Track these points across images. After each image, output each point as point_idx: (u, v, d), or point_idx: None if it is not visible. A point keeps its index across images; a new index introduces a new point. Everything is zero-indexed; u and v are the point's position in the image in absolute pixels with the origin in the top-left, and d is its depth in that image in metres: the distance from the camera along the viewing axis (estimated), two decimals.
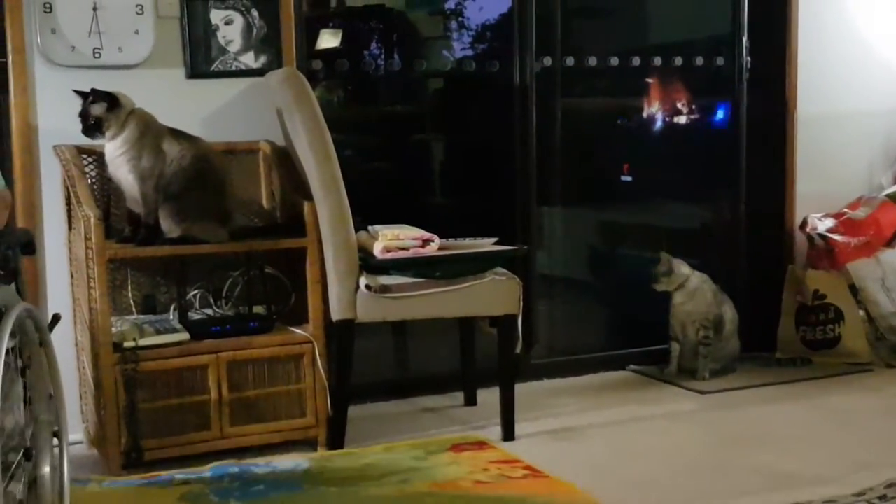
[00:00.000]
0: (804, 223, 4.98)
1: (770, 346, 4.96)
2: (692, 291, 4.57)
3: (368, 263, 3.69)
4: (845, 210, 5.00)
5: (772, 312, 4.98)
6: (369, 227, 3.86)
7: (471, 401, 4.30)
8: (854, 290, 4.83)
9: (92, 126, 3.53)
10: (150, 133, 3.56)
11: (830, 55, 5.03)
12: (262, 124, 3.98)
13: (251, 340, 3.63)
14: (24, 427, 2.54)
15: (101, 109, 3.52)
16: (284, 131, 3.88)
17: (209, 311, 3.84)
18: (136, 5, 3.82)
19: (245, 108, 4.01)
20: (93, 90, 3.53)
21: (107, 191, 3.75)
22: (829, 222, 4.95)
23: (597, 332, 5.21)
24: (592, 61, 4.82)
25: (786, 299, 4.97)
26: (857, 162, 5.16)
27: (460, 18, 5.11)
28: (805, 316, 4.93)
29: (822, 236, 4.90)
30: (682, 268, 4.57)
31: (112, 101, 3.52)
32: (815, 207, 5.01)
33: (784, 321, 4.98)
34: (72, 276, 3.78)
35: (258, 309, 3.84)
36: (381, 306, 3.68)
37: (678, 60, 5.00)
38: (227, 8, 3.98)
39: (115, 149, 3.55)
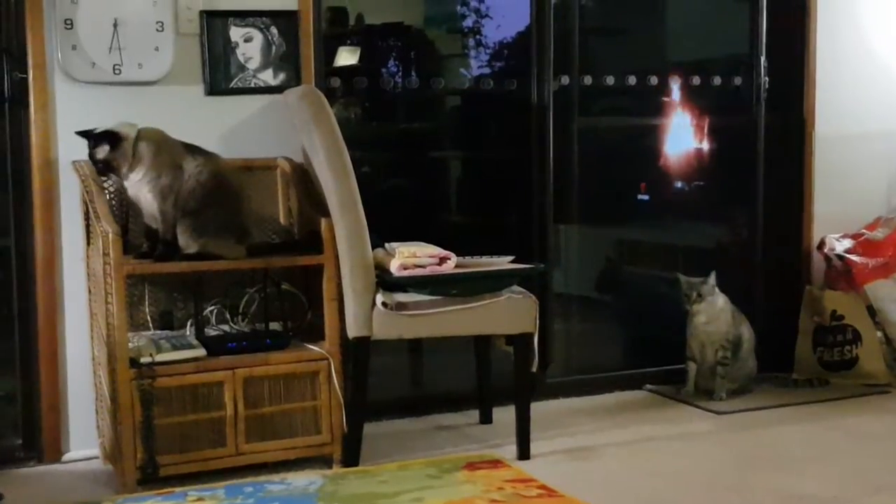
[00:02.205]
0: (822, 243, 4.96)
1: (787, 366, 4.93)
2: (717, 312, 4.55)
3: (385, 281, 3.69)
4: (863, 231, 4.98)
5: (789, 333, 4.96)
6: (386, 245, 3.86)
7: (486, 419, 4.29)
8: (872, 311, 4.81)
9: (102, 169, 3.51)
10: (165, 150, 3.55)
11: (848, 75, 5.03)
12: (281, 141, 3.99)
13: (267, 357, 3.64)
14: None
15: (104, 152, 3.46)
16: (303, 148, 3.89)
17: (226, 328, 3.85)
18: (157, 22, 3.84)
19: (263, 125, 4.02)
20: (90, 135, 3.48)
21: (125, 206, 3.76)
22: (847, 243, 4.93)
23: (613, 351, 5.19)
24: (610, 80, 4.82)
25: (803, 320, 4.95)
26: (876, 182, 5.14)
27: (478, 37, 5.12)
28: (822, 337, 4.91)
29: (839, 257, 4.88)
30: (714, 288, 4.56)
31: (112, 138, 3.46)
32: (832, 228, 4.99)
33: (801, 342, 4.95)
34: (89, 292, 3.79)
35: (274, 325, 3.84)
36: (397, 324, 3.68)
37: (696, 80, 5.01)
38: (246, 25, 4.00)
39: (133, 178, 3.52)
